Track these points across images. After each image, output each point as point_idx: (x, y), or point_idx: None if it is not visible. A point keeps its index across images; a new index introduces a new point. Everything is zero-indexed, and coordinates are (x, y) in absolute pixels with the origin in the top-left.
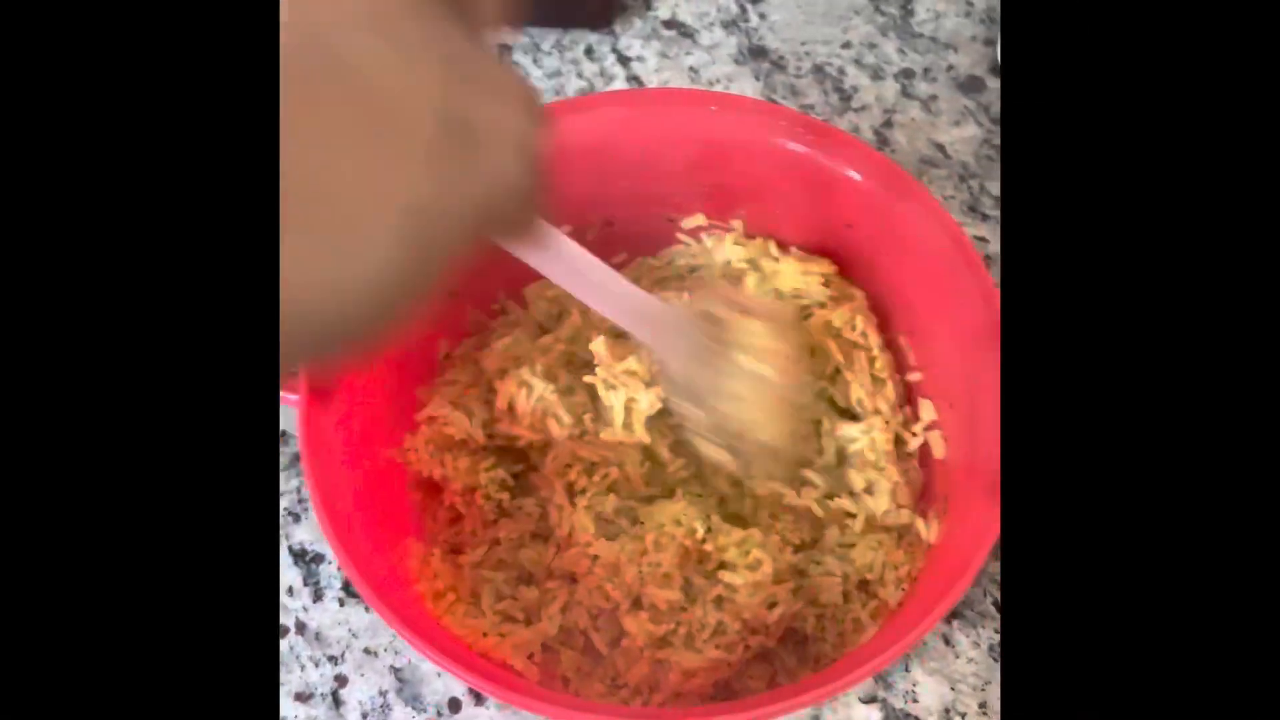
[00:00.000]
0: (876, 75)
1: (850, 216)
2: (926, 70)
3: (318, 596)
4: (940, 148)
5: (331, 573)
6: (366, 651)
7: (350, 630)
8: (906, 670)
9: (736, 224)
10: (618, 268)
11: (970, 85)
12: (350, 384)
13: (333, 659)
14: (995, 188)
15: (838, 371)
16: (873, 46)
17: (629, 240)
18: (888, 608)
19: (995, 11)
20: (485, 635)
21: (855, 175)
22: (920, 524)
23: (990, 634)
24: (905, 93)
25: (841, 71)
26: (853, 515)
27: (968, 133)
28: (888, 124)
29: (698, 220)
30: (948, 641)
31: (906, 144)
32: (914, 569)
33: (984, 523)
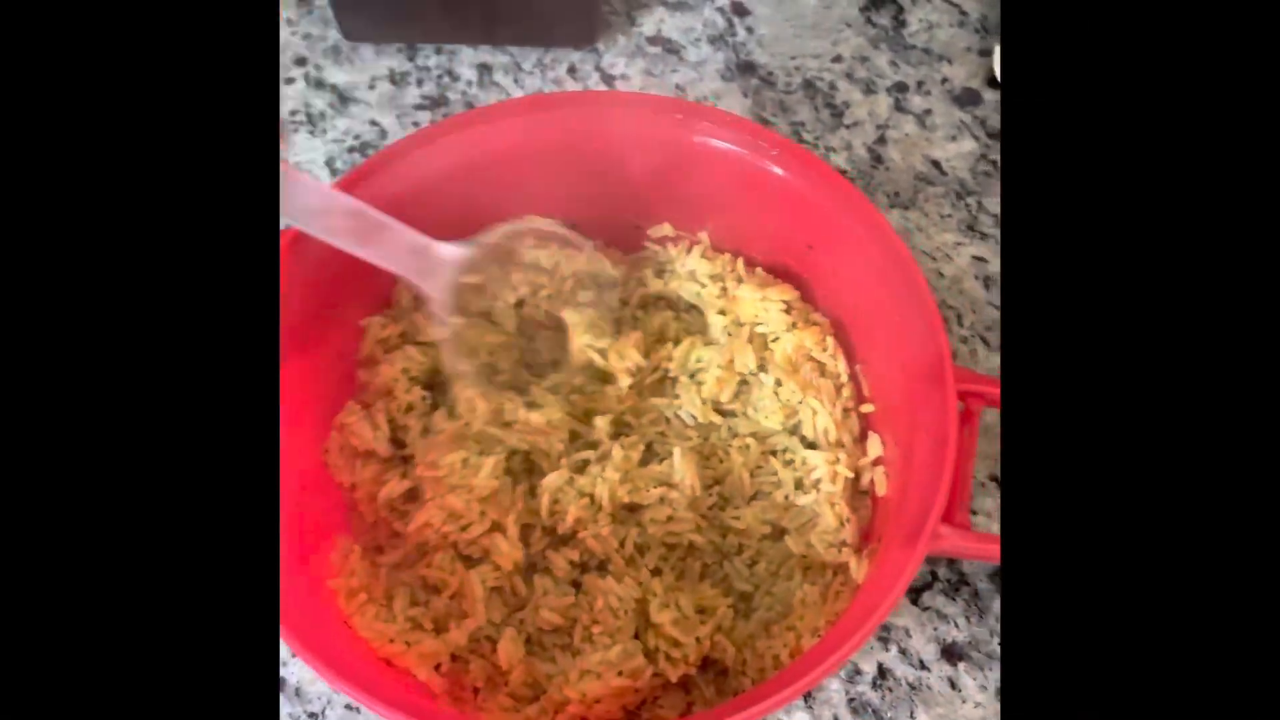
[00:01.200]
0: (869, 89)
1: (811, 238)
2: (920, 83)
3: None
4: (936, 164)
5: None
6: (349, 708)
7: None
8: (911, 716)
9: (703, 236)
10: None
11: (966, 98)
12: (285, 372)
13: (313, 716)
14: (993, 205)
15: (801, 401)
16: (864, 60)
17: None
18: (802, 648)
19: (990, 21)
20: (392, 641)
21: (815, 196)
22: (853, 563)
23: (998, 677)
24: (899, 107)
25: (833, 86)
26: (793, 553)
27: (964, 148)
28: (881, 140)
29: (665, 230)
30: (954, 685)
31: (901, 160)
32: (840, 609)
33: (898, 569)
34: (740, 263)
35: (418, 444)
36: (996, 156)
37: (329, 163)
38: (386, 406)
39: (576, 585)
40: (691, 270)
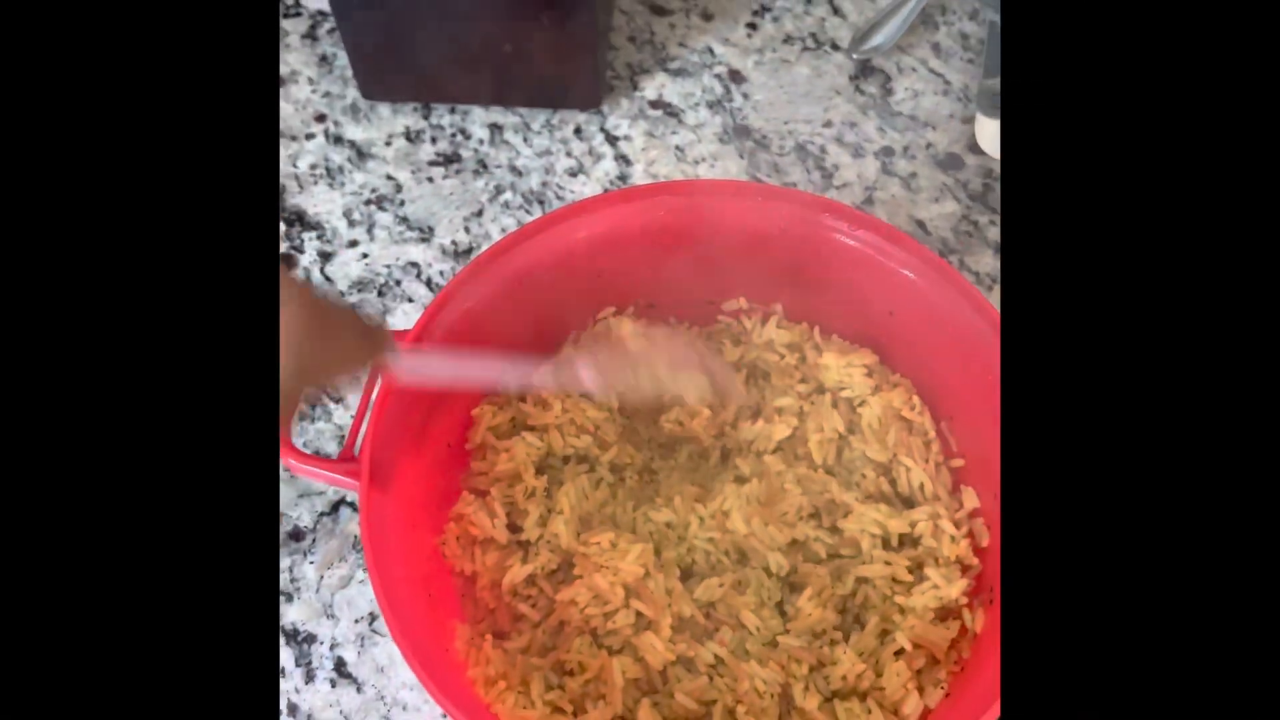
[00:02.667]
0: (857, 153)
1: (892, 304)
2: (906, 148)
3: (309, 678)
4: (920, 224)
5: (323, 653)
6: None
7: (342, 712)
8: None
9: (777, 307)
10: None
11: (949, 162)
12: (405, 469)
13: None
14: (975, 263)
15: (894, 457)
16: (853, 125)
17: (670, 321)
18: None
19: (972, 90)
20: None
21: (897, 263)
22: (966, 613)
23: None
24: (885, 170)
25: (823, 150)
26: (903, 610)
27: (947, 209)
28: (869, 201)
29: (738, 303)
30: None
31: (887, 220)
32: (960, 657)
33: None
34: (817, 331)
35: (560, 524)
36: (977, 217)
37: (346, 214)
38: (504, 493)
39: (712, 668)
40: (769, 340)
